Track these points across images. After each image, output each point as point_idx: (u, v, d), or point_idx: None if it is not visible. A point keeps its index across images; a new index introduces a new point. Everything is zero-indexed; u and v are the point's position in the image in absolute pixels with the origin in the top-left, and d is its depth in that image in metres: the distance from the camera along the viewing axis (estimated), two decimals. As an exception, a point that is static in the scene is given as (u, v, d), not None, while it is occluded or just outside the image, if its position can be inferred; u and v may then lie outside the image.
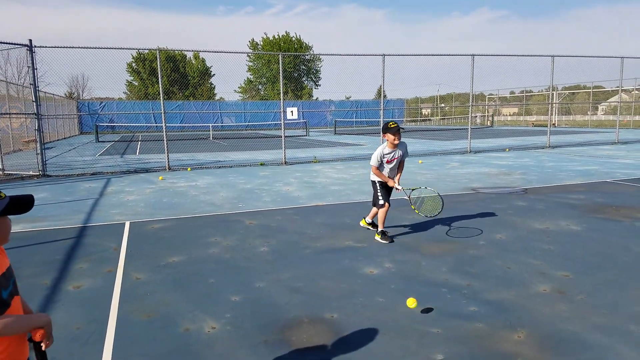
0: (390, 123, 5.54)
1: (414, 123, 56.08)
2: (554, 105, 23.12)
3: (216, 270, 4.63)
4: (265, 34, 61.26)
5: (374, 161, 5.64)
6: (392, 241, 5.56)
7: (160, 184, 10.44)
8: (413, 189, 5.86)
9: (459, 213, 6.96)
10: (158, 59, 13.09)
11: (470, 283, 4.19)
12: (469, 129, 17.57)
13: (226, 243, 5.57)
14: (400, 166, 5.76)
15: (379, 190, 5.71)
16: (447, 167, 12.62)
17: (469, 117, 18.26)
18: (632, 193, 8.27)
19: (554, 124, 25.25)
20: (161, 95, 12.93)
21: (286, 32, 58.65)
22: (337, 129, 36.85)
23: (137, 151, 20.30)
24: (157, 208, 7.70)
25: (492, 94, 48.67)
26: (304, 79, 59.04)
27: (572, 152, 16.09)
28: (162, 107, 12.89)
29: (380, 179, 5.66)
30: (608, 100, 45.92)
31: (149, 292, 4.08)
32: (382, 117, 16.17)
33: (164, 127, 13.09)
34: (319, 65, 58.31)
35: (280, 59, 14.42)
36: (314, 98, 56.60)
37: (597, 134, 25.63)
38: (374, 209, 5.88)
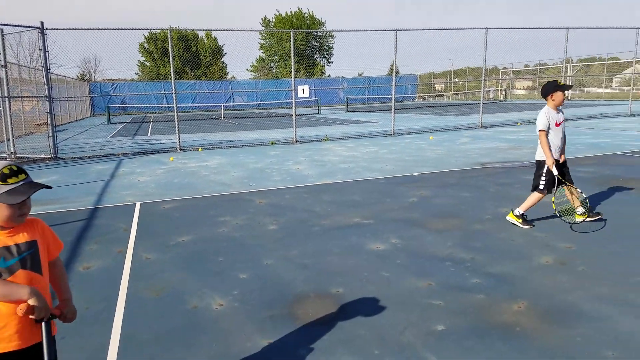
0: (559, 80, 5.00)
1: (427, 98, 55.41)
2: (568, 78, 22.59)
3: (225, 248, 4.77)
4: (278, 10, 60.63)
5: (542, 123, 4.85)
6: (533, 226, 5.01)
7: (171, 164, 10.61)
8: (568, 185, 5.00)
9: (467, 188, 6.99)
10: (169, 39, 13.12)
11: (474, 257, 4.26)
12: (481, 104, 17.37)
13: (236, 222, 5.71)
14: (564, 138, 5.04)
15: (544, 174, 4.94)
16: (458, 143, 12.56)
17: (482, 92, 18.01)
18: (636, 164, 8.18)
19: (567, 97, 24.75)
20: (172, 75, 13.00)
21: (299, 8, 57.90)
22: (349, 106, 36.64)
23: (149, 132, 20.53)
24: (167, 189, 7.87)
25: (505, 68, 47.70)
26: (316, 56, 58.45)
27: (583, 125, 15.84)
28: (173, 87, 12.97)
29: (546, 157, 4.84)
30: (622, 72, 44.66)
31: (158, 272, 4.23)
32: (393, 93, 16.05)
33: (175, 108, 13.20)
34: (332, 42, 57.63)
35: (292, 35, 14.33)
36: (326, 75, 56.13)
37: (610, 106, 25.08)
38: (537, 196, 5.01)
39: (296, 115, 14.50)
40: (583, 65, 42.77)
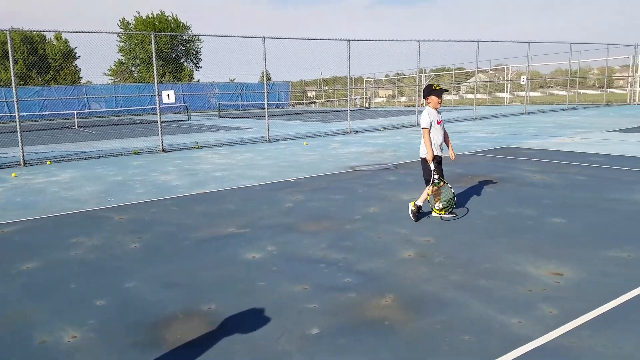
0: (435, 85, 5.40)
1: (300, 105, 56.82)
2: (421, 86, 25.08)
3: (78, 274, 4.25)
4: (138, 12, 57.09)
5: (425, 122, 5.28)
6: (455, 215, 5.48)
7: (13, 181, 9.24)
8: (444, 182, 5.51)
9: (338, 191, 7.25)
10: (9, 41, 11.41)
11: (345, 256, 4.40)
12: (348, 111, 18.31)
13: (91, 243, 5.13)
14: (445, 134, 5.52)
15: (434, 170, 5.37)
16: (330, 148, 13.04)
17: (348, 100, 19.02)
18: (484, 163, 9.34)
19: (421, 104, 27.63)
20: (13, 80, 11.35)
21: (161, 10, 55.21)
22: (221, 112, 35.88)
23: (-15, 146, 17.71)
24: (8, 209, 6.82)
25: (369, 77, 51.09)
26: (182, 60, 56.22)
27: (438, 128, 17.63)
28: (14, 95, 11.34)
29: (427, 152, 5.30)
30: (468, 81, 51.18)
31: (-2, 306, 3.60)
32: (266, 99, 16.08)
33: (17, 117, 11.54)
34: (199, 46, 55.97)
35: (152, 38, 13.52)
36: (195, 80, 54.30)
37: (459, 111, 28.38)
38: (428, 190, 5.40)
39: (162, 121, 13.72)
40: (435, 74, 47.78)
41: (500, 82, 40.01)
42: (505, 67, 38.65)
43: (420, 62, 19.12)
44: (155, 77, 13.53)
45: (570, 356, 2.65)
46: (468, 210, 5.84)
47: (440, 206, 5.51)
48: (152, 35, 13.62)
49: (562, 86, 38.92)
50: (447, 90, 5.45)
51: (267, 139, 15.67)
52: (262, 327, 3.17)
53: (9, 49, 11.40)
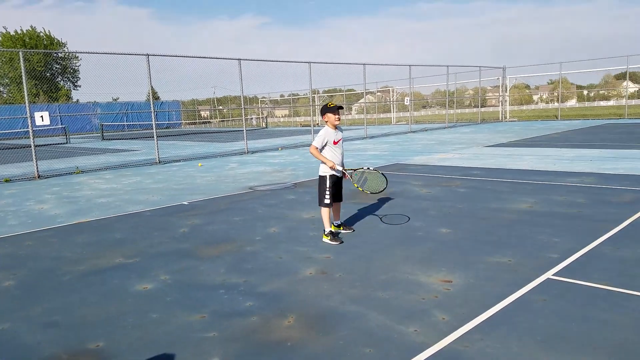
0: (329, 103, 5.33)
1: (193, 125, 55.11)
2: (316, 106, 25.90)
3: None
4: (5, 28, 51.58)
5: (317, 142, 5.26)
6: (342, 242, 5.27)
7: None
8: (355, 170, 5.54)
9: (238, 212, 7.11)
10: None
11: (246, 279, 4.30)
12: (244, 131, 18.20)
13: (-51, 285, 4.41)
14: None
15: (328, 189, 5.33)
16: (227, 169, 12.80)
17: (243, 119, 18.91)
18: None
19: (316, 124, 28.48)
20: None
21: (31, 26, 50.45)
22: (104, 134, 33.45)
23: None
24: None
25: (264, 97, 51.45)
26: (59, 79, 51.66)
27: (333, 147, 18.25)
28: None
29: (330, 171, 5.29)
30: (359, 101, 54.05)
31: None
32: (154, 119, 15.33)
33: None
34: (77, 64, 51.95)
35: (21, 56, 12.24)
36: (74, 100, 50.14)
37: (352, 130, 29.73)
38: (328, 211, 5.39)
39: (36, 145, 12.40)
40: (327, 95, 49.58)
41: (387, 102, 42.83)
42: (391, 89, 41.53)
43: (312, 83, 19.73)
44: (27, 97, 12.20)
45: (464, 359, 2.84)
46: (361, 224, 6.08)
47: (339, 223, 5.65)
48: (21, 53, 12.35)
49: (442, 106, 42.85)
50: (342, 108, 5.52)
51: (158, 161, 14.94)
52: (158, 363, 2.95)
53: None
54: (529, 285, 3.87)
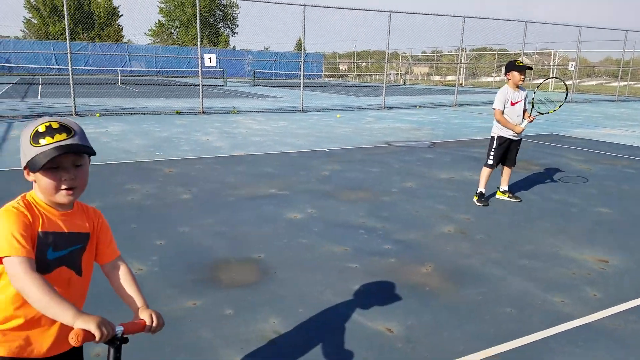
0: (518, 61, 5.17)
1: (331, 78, 56.36)
2: (462, 65, 24.46)
3: (137, 216, 4.51)
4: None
5: (497, 104, 5.16)
6: (488, 204, 5.26)
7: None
8: (539, 107, 5.27)
9: (374, 164, 7.32)
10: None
11: (384, 225, 4.52)
12: (384, 86, 18.12)
13: (145, 190, 5.40)
14: (524, 114, 5.23)
15: (493, 148, 5.30)
16: (363, 122, 13.03)
17: (384, 75, 18.80)
18: (529, 149, 9.20)
19: (460, 84, 26.92)
20: (67, 34, 11.71)
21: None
22: (255, 80, 35.98)
23: (39, 94, 18.39)
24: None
25: (405, 53, 50.11)
26: (220, 25, 56.21)
27: (476, 111, 17.32)
28: (68, 47, 11.74)
29: (503, 131, 5.23)
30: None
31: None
32: (302, 69, 16.07)
33: (69, 69, 11.97)
34: (236, 12, 55.78)
35: (197, 1, 13.60)
36: (231, 46, 54.33)
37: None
38: (488, 172, 5.36)
39: (203, 85, 13.93)
40: (476, 54, 46.47)
41: (545, 67, 38.62)
42: (552, 51, 37.20)
43: (463, 40, 18.61)
44: (199, 38, 13.66)
45: (614, 337, 2.71)
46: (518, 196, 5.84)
47: (504, 189, 5.51)
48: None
49: (612, 76, 37.35)
50: (531, 68, 5.25)
51: (301, 109, 15.74)
52: (307, 279, 3.34)
53: (64, 3, 11.67)
54: (703, 281, 3.44)
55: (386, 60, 17.74)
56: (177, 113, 13.35)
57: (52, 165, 1.30)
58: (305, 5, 14.74)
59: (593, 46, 31.14)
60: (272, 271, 3.46)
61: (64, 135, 1.32)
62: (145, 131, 9.86)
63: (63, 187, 1.34)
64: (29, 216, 1.32)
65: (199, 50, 13.73)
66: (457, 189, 5.94)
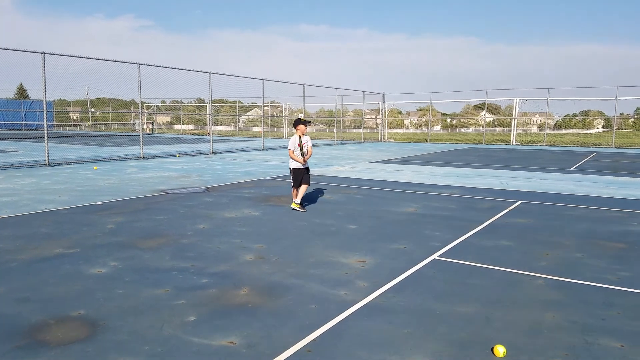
0: (302, 118, 8.14)
1: (64, 128, 50.67)
2: (210, 116, 26.19)
3: None
4: None
5: (291, 145, 7.82)
6: (306, 210, 7.75)
7: None
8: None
9: (160, 212, 7.51)
10: None
11: (194, 264, 4.93)
12: (141, 136, 17.92)
13: None
14: (308, 151, 7.94)
15: (292, 176, 7.89)
16: (128, 172, 12.71)
17: (140, 124, 18.58)
18: (283, 186, 10.81)
19: (209, 133, 28.68)
20: None
21: None
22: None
23: None
24: None
25: (149, 103, 49.53)
26: None
27: (232, 157, 18.82)
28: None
29: (295, 165, 7.81)
30: (247, 114, 54.86)
31: None
32: (45, 119, 14.47)
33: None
34: None
35: None
36: None
37: (245, 142, 30.39)
38: (295, 191, 7.85)
39: None
40: (219, 105, 49.46)
41: (276, 117, 44.28)
42: (283, 105, 43.08)
43: (198, 92, 20.37)
44: None
45: (382, 309, 3.91)
46: (277, 222, 6.99)
47: (298, 201, 7.83)
48: None
49: (326, 124, 45.54)
50: (310, 122, 8.17)
51: (47, 163, 14.17)
52: (141, 320, 3.53)
53: None
54: (421, 263, 5.13)
55: (140, 110, 17.60)
56: None
57: None
58: (44, 53, 13.58)
59: (312, 100, 37.74)
60: (101, 322, 3.50)
61: None
62: None
63: None
64: None
65: None
66: (244, 224, 6.76)
